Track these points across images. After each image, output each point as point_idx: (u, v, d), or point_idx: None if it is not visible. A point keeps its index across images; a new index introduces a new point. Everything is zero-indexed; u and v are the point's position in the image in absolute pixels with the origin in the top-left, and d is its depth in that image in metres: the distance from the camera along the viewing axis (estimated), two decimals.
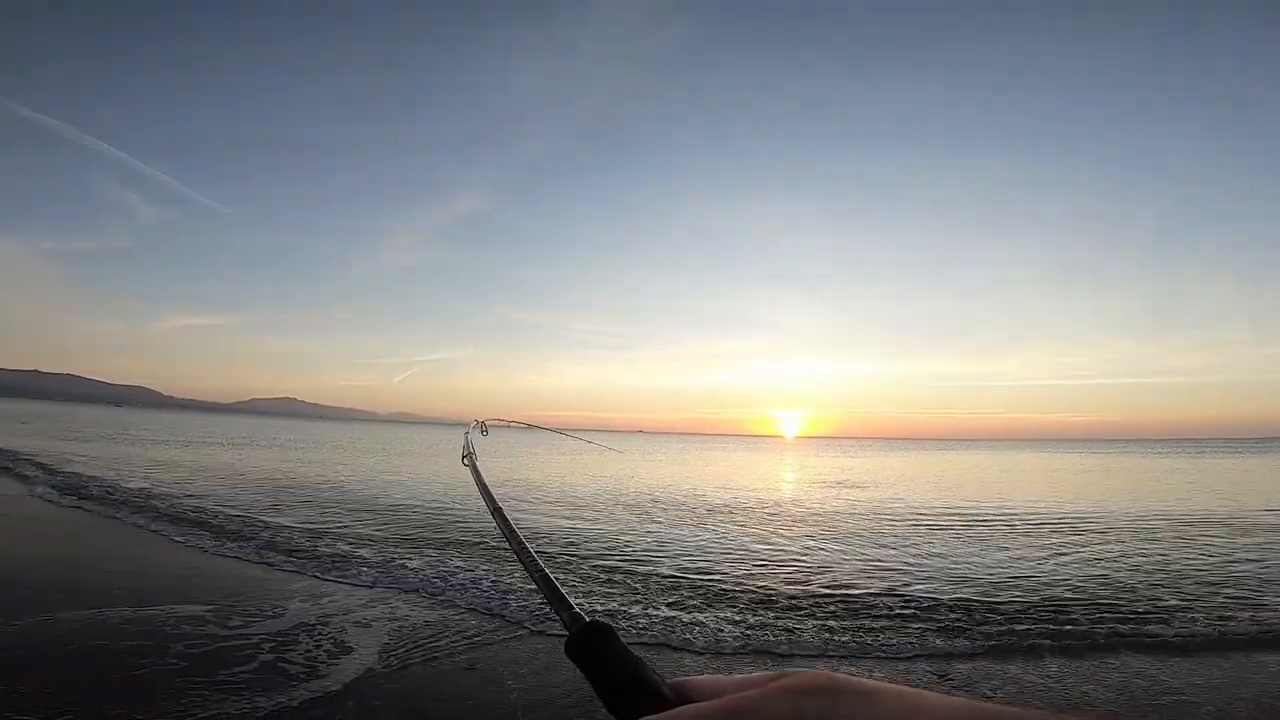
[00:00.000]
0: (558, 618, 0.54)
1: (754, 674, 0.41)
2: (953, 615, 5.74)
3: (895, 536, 10.28)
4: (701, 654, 4.78)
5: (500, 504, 0.80)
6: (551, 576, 0.59)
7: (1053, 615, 5.74)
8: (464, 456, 1.09)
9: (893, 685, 0.35)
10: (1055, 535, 10.39)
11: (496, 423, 1.50)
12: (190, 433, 41.29)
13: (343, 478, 17.63)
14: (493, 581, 6.47)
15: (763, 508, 14.33)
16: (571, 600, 0.55)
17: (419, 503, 12.65)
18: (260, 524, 9.41)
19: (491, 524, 0.74)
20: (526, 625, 5.17)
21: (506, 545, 0.71)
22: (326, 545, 8.09)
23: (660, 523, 11.28)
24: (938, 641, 5.09)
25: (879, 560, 8.31)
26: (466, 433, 1.20)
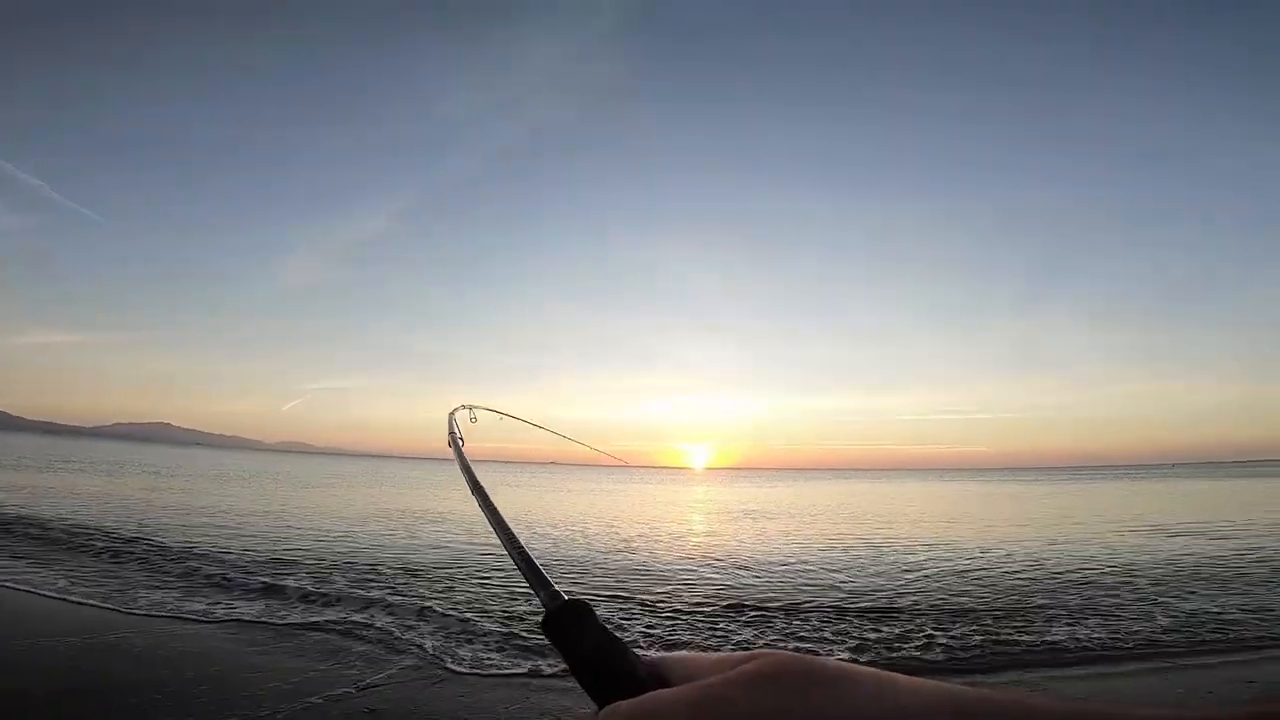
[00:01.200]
0: (536, 596, 0.55)
1: (729, 653, 0.41)
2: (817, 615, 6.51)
3: (796, 556, 10.80)
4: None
5: (481, 482, 0.81)
6: (531, 556, 0.60)
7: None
8: (449, 437, 1.12)
9: (863, 668, 0.35)
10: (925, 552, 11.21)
11: (489, 411, 1.49)
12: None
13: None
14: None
15: (676, 534, 14.55)
16: (550, 579, 0.55)
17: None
18: None
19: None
20: None
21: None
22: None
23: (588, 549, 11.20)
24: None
25: (788, 576, 8.74)
26: (452, 414, 1.23)
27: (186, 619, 5.63)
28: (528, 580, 0.57)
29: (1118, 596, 7.19)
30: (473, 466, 0.91)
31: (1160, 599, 6.99)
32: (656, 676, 0.44)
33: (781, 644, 5.55)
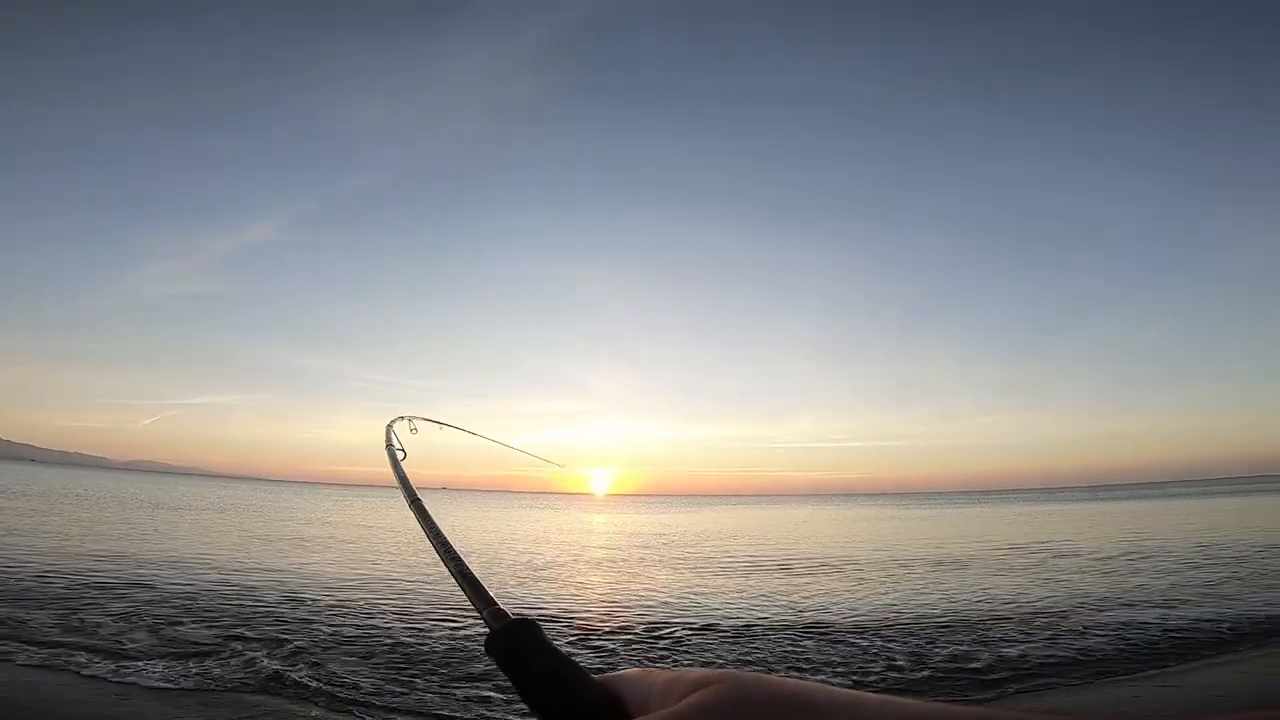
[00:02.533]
0: (478, 615, 0.52)
1: (684, 671, 0.38)
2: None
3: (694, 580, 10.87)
4: None
5: (420, 496, 0.79)
6: (472, 572, 0.57)
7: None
8: (387, 447, 1.10)
9: (823, 688, 0.33)
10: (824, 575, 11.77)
11: (428, 422, 1.46)
12: None
13: None
14: None
15: (590, 560, 14.23)
16: (494, 596, 0.53)
17: None
18: None
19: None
20: None
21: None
22: None
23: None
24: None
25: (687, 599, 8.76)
26: (390, 425, 1.22)
27: None
28: (469, 598, 0.54)
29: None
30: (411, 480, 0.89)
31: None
32: (610, 697, 0.42)
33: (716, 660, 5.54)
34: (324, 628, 6.41)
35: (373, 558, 13.10)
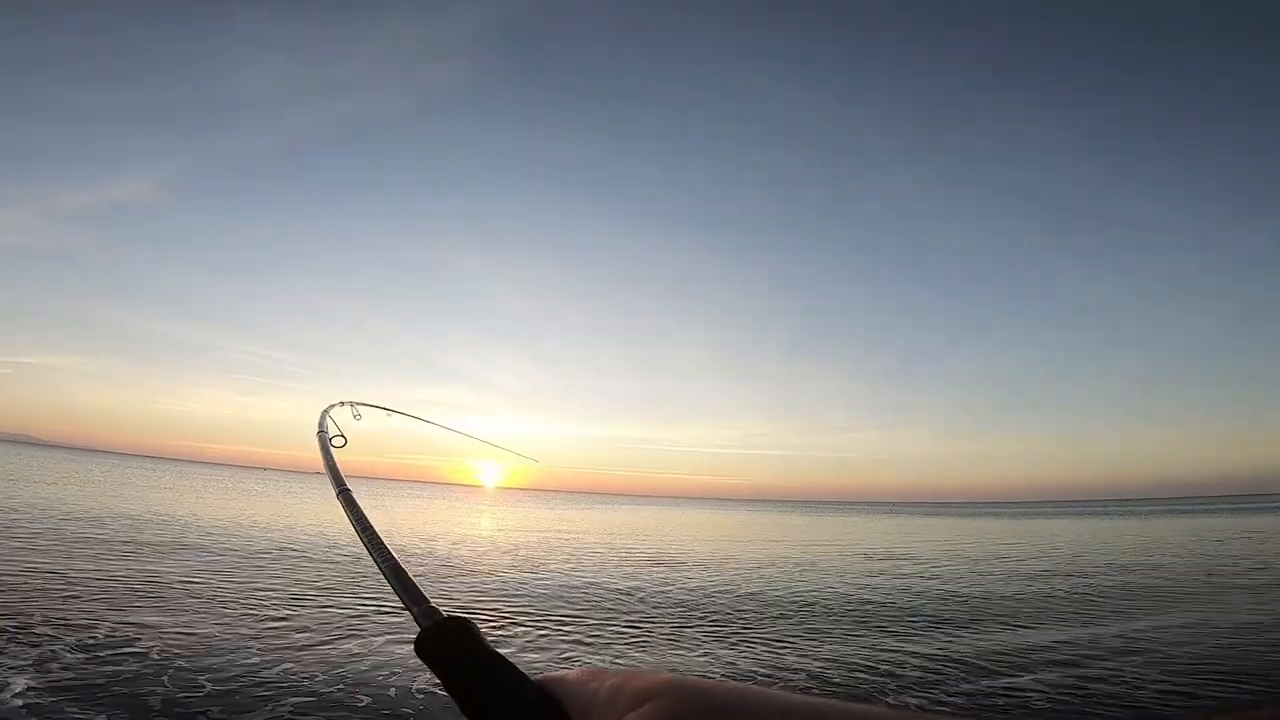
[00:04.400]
0: (408, 612, 0.50)
1: (631, 675, 0.36)
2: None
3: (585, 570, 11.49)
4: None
5: (349, 486, 0.76)
6: (402, 567, 0.55)
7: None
8: (319, 433, 1.04)
9: (759, 690, 0.32)
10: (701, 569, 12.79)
11: (371, 408, 1.40)
12: None
13: None
14: None
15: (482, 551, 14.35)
16: (425, 593, 0.51)
17: None
18: None
19: None
20: None
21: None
22: None
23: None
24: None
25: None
26: (325, 411, 1.15)
27: None
28: (398, 595, 0.52)
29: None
30: (341, 469, 0.84)
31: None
32: (550, 700, 0.40)
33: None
34: None
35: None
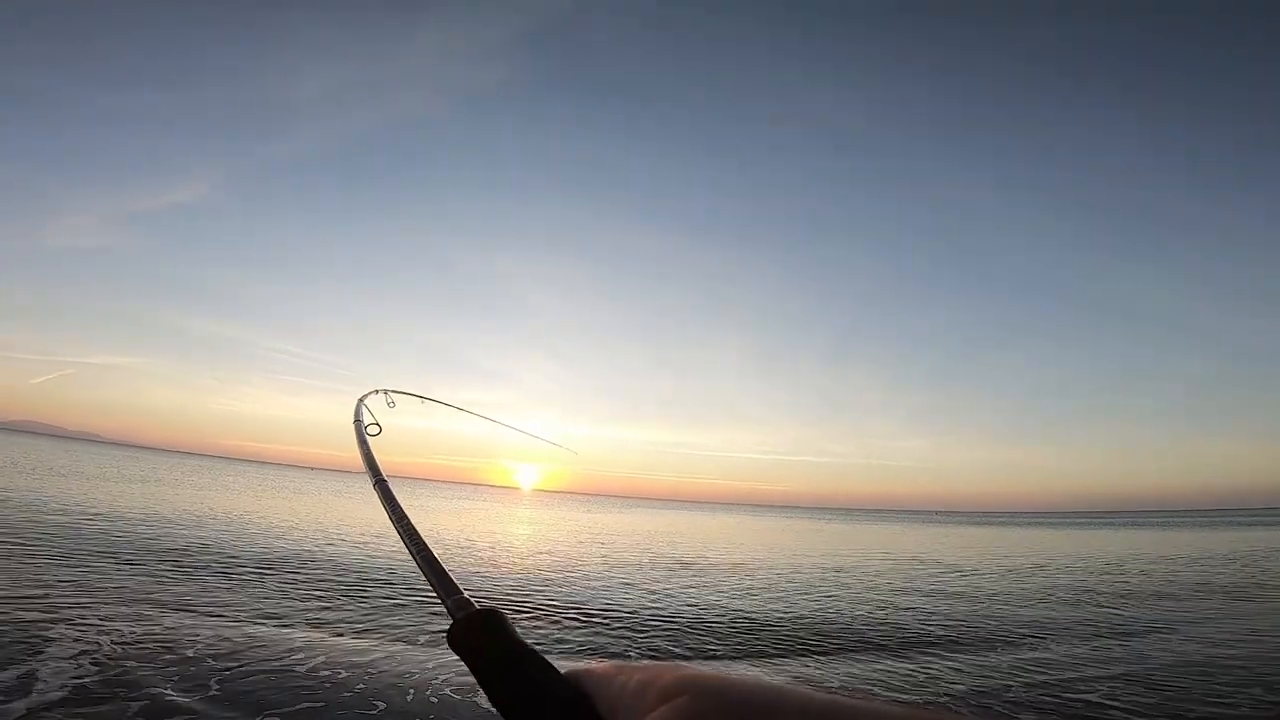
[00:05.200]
0: (441, 604, 0.50)
1: (658, 671, 0.36)
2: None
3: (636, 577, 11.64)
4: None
5: (386, 477, 0.76)
6: (436, 558, 0.56)
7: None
8: (355, 422, 1.04)
9: (791, 689, 0.33)
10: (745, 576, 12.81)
11: (407, 395, 1.41)
12: None
13: None
14: None
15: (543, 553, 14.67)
16: (459, 584, 0.51)
17: None
18: None
19: None
20: None
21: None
22: None
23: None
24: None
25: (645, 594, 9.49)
26: (361, 400, 1.16)
27: None
28: (432, 585, 0.53)
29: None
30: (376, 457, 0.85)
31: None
32: (577, 692, 0.40)
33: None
34: None
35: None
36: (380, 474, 0.80)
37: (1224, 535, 33.57)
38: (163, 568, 8.08)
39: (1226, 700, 4.90)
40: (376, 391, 1.26)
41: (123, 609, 5.77)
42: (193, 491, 24.42)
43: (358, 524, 16.80)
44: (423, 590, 7.70)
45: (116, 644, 4.76)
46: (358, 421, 1.04)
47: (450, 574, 0.53)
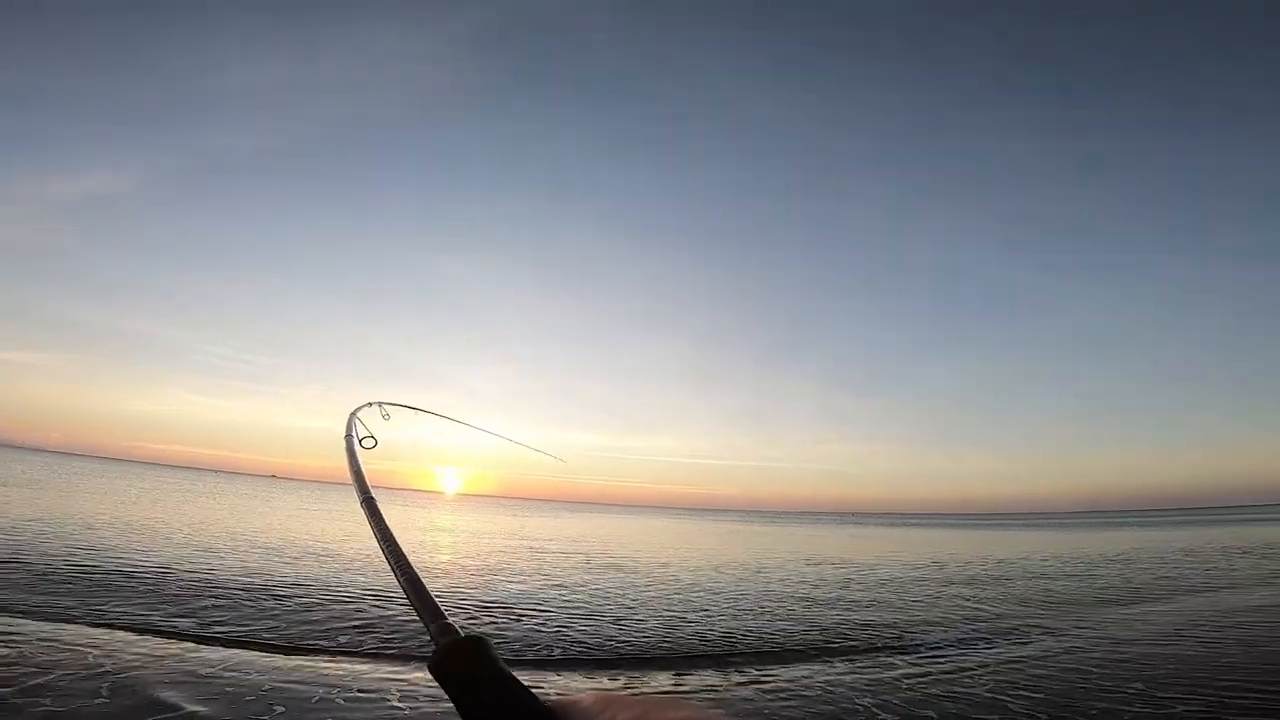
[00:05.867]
0: (425, 630, 0.48)
1: (647, 707, 0.36)
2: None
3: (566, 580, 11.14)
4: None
5: (373, 494, 0.75)
6: (421, 582, 0.54)
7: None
8: (347, 436, 1.00)
9: None
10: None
11: (402, 408, 1.34)
12: None
13: None
14: None
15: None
16: (443, 610, 0.49)
17: None
18: None
19: None
20: None
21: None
22: None
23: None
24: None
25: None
26: (353, 413, 1.11)
27: None
28: (416, 609, 0.51)
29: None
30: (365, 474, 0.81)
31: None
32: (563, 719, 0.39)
33: None
34: None
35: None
36: (368, 491, 0.76)
37: (1117, 535, 36.47)
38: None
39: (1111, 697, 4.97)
40: (370, 404, 1.22)
41: None
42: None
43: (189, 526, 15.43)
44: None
45: None
46: (349, 435, 0.99)
47: (434, 599, 0.51)
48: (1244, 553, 18.09)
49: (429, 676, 0.43)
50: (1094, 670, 5.52)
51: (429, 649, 0.45)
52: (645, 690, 4.95)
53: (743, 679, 5.24)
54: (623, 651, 6.16)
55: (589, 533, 28.68)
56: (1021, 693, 4.86)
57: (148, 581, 7.79)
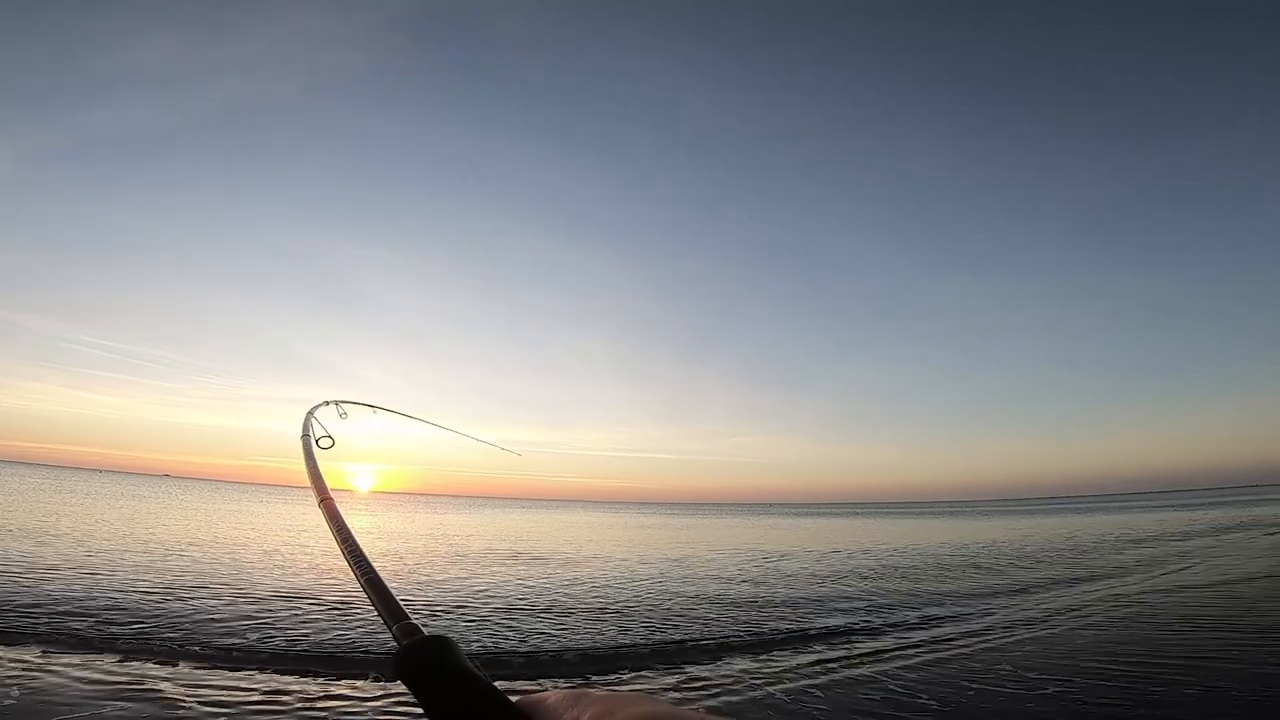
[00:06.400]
0: (387, 629, 0.48)
1: (614, 703, 0.36)
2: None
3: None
4: None
5: (331, 495, 0.74)
6: (382, 582, 0.54)
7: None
8: (304, 436, 0.99)
9: None
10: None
11: (360, 406, 1.33)
12: None
13: None
14: None
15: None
16: (405, 610, 0.49)
17: None
18: None
19: None
20: None
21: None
22: None
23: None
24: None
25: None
26: (310, 412, 1.10)
27: None
28: (378, 610, 0.51)
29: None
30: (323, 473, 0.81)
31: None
32: (530, 718, 0.39)
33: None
34: None
35: None
36: (326, 492, 0.75)
37: (1004, 522, 39.79)
38: None
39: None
40: (327, 403, 1.20)
41: None
42: None
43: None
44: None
45: None
46: (306, 435, 0.98)
47: (396, 598, 0.50)
48: (1135, 542, 20.07)
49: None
50: (965, 654, 6.03)
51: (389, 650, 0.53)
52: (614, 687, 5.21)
53: (670, 676, 5.51)
54: (548, 649, 6.38)
55: (510, 530, 28.45)
56: (901, 675, 5.35)
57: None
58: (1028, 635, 6.73)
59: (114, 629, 6.11)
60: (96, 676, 4.62)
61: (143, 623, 6.43)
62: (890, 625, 7.54)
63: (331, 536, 0.66)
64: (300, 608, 7.58)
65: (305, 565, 11.78)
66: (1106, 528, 25.02)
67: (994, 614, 8.04)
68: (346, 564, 0.59)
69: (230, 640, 5.97)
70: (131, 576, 9.10)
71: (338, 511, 0.70)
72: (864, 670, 5.49)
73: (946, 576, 12.03)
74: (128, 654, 5.35)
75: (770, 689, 4.98)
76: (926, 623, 7.66)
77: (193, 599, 7.79)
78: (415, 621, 0.48)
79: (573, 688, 0.41)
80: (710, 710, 4.28)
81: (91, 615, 6.53)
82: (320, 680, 4.88)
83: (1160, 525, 25.37)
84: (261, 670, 5.11)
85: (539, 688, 0.42)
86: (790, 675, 5.38)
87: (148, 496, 41.74)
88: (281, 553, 13.71)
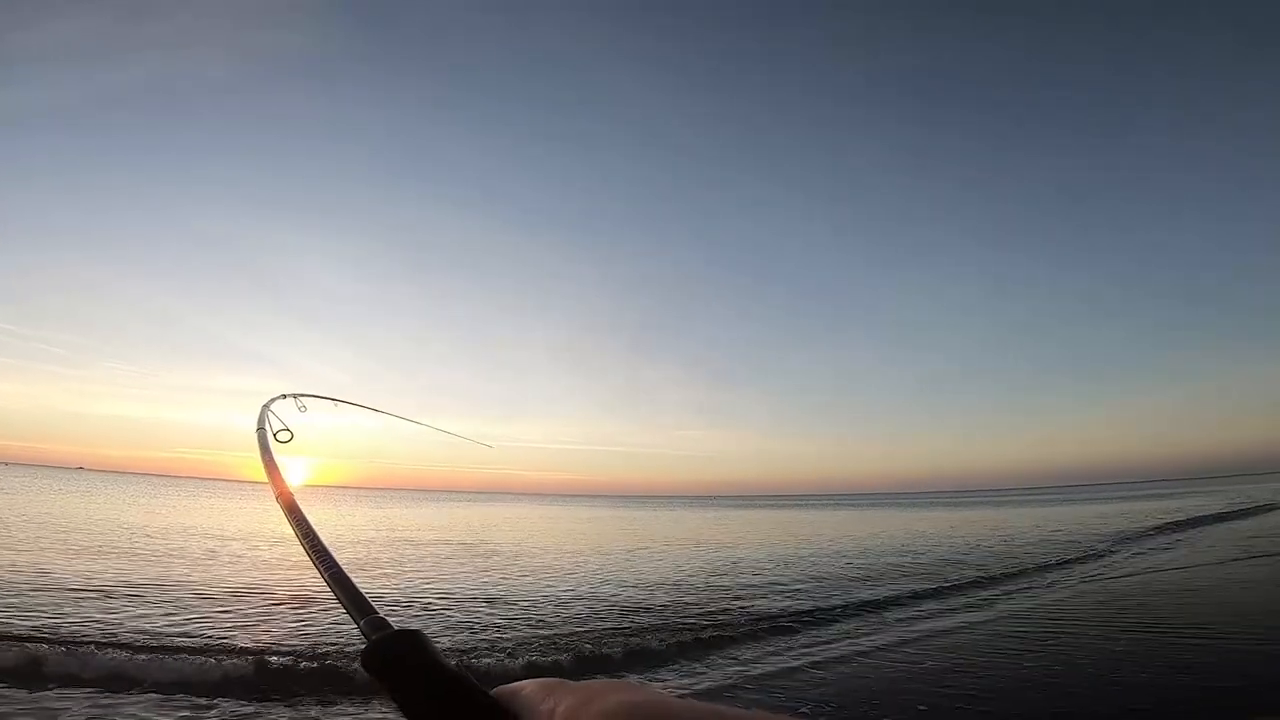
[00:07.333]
0: (354, 625, 0.47)
1: (592, 690, 0.36)
2: None
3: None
4: None
5: (291, 490, 0.72)
6: (348, 577, 0.53)
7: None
8: (259, 430, 0.95)
9: (734, 712, 0.32)
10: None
11: (317, 399, 1.28)
12: None
13: None
14: None
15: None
16: (373, 604, 0.48)
17: None
18: None
19: None
20: None
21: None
22: None
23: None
24: None
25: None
26: (265, 406, 1.06)
27: None
28: (344, 606, 0.49)
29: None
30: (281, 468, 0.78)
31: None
32: (508, 714, 0.38)
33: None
34: None
35: None
36: (284, 487, 0.73)
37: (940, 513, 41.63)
38: None
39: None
40: (284, 396, 1.17)
41: None
42: None
43: None
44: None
45: None
46: (261, 429, 0.94)
47: (363, 593, 0.49)
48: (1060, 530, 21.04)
49: None
50: (876, 652, 6.15)
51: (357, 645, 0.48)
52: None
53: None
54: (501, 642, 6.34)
55: (458, 523, 27.96)
56: (814, 672, 5.48)
57: None
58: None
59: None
60: None
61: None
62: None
63: (292, 532, 0.64)
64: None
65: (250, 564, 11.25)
66: (1033, 521, 26.49)
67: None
68: (311, 561, 0.57)
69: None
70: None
71: (297, 506, 0.68)
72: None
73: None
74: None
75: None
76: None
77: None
78: (384, 616, 0.47)
79: (550, 677, 0.40)
80: (693, 696, 4.30)
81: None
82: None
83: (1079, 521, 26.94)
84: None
85: (515, 679, 0.42)
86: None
87: (61, 491, 38.84)
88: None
